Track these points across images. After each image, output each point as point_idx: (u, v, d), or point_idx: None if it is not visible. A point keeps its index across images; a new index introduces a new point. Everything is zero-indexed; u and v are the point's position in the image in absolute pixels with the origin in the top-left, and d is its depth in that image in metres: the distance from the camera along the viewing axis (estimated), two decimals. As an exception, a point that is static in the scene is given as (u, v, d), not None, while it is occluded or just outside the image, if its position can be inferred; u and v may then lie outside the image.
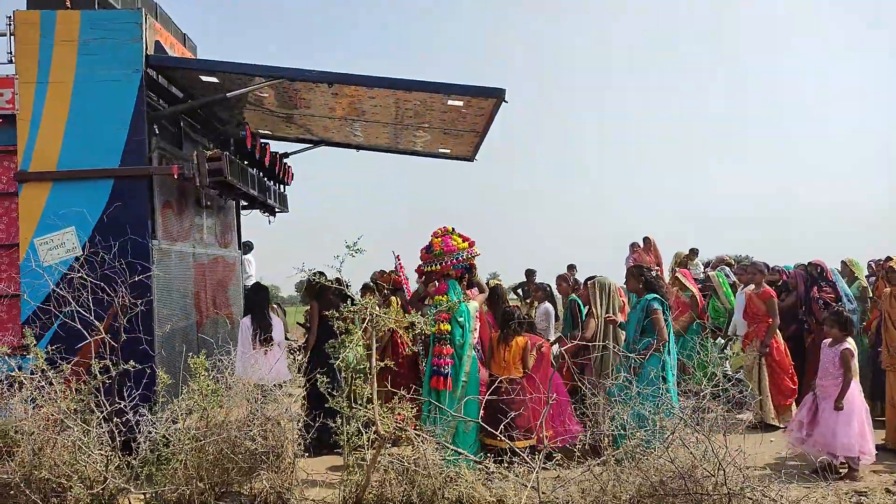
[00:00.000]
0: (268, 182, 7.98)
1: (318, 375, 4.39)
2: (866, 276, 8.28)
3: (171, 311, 6.01)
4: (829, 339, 5.64)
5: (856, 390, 5.48)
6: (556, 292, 7.76)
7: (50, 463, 3.92)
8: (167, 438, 4.15)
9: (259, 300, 5.90)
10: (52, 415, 4.16)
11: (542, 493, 3.80)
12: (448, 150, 8.59)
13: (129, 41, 5.65)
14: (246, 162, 7.00)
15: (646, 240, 11.75)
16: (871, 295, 7.88)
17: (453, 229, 5.63)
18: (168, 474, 4.03)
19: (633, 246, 11.84)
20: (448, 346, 5.33)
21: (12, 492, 3.92)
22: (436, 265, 5.51)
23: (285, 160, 8.50)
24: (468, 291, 5.69)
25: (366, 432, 4.11)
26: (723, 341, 8.15)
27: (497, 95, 5.97)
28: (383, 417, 4.03)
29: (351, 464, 4.13)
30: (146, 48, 5.73)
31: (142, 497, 4.08)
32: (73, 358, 4.82)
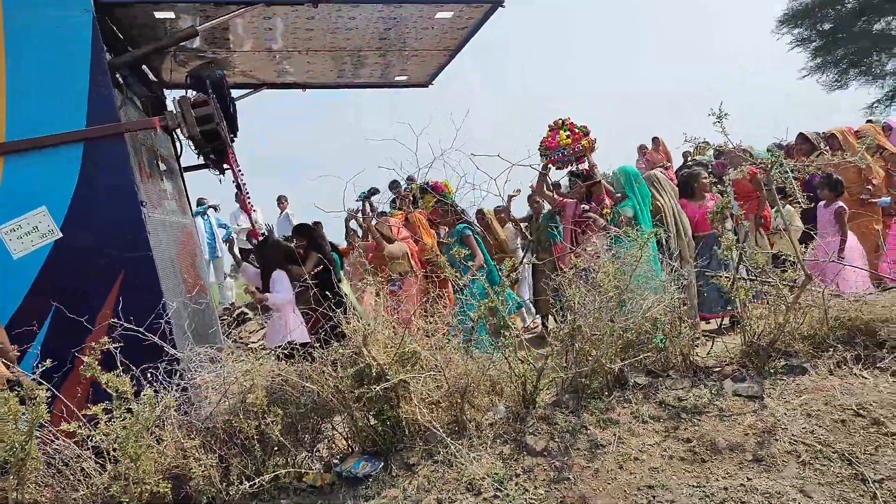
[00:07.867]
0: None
1: None
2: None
3: (168, 287, 5.27)
4: (824, 202, 6.49)
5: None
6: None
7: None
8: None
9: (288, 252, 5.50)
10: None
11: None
12: (405, 78, 8.03)
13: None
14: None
15: (654, 140, 11.71)
16: None
17: (563, 122, 5.46)
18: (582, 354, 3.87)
19: (642, 148, 11.79)
20: None
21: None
22: (545, 158, 5.60)
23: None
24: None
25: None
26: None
27: (494, 0, 5.56)
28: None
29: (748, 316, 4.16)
30: None
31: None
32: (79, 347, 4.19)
